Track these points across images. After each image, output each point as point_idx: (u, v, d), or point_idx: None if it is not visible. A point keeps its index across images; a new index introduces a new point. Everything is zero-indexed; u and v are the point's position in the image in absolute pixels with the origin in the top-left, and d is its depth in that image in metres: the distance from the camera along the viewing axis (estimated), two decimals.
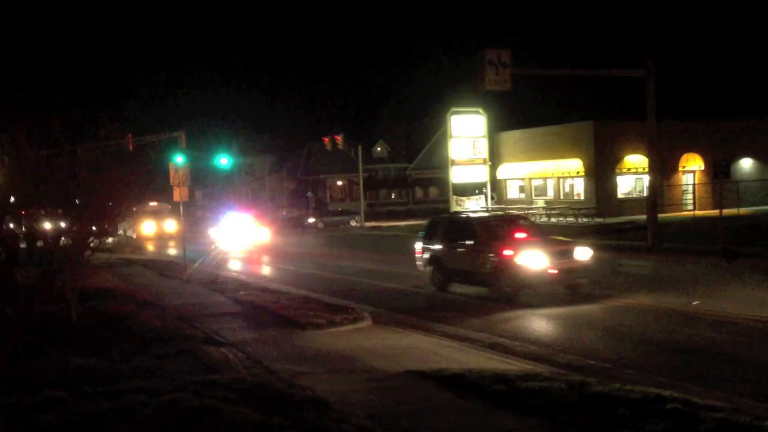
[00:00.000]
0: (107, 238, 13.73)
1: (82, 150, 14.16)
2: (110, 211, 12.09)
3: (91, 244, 11.89)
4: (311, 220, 59.66)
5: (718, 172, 28.49)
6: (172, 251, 38.72)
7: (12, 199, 11.50)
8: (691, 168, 43.41)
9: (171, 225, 49.62)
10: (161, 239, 48.01)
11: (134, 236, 46.92)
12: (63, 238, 11.20)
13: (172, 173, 23.89)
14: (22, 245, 12.80)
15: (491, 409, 7.50)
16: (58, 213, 11.86)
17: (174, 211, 52.83)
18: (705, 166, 42.77)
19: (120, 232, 48.02)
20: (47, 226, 11.90)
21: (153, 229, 48.59)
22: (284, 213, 66.18)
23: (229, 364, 9.97)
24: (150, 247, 43.53)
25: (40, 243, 12.05)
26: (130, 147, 33.03)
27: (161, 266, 27.14)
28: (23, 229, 12.26)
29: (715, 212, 33.90)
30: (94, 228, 11.78)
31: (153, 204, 50.15)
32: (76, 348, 10.23)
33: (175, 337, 11.69)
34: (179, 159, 24.74)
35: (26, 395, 7.35)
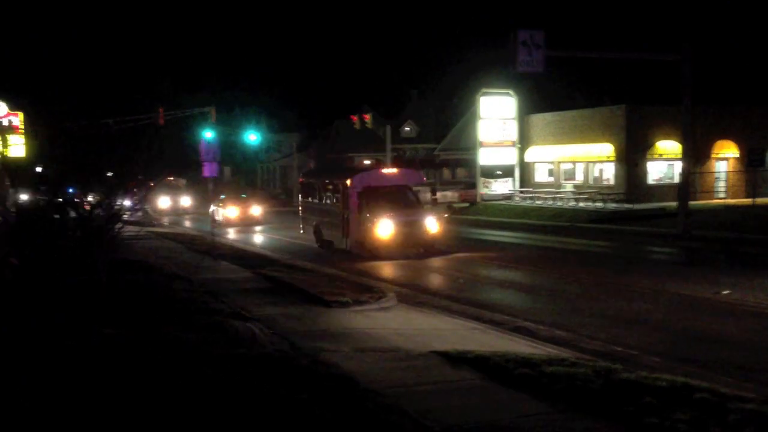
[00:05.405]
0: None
1: (115, 123, 14.32)
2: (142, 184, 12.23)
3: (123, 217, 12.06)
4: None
5: (753, 160, 28.04)
6: None
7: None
8: (725, 155, 42.56)
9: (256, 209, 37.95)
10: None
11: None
12: (96, 211, 11.36)
13: (203, 148, 24.07)
14: (55, 216, 13.00)
15: (516, 392, 7.49)
16: (92, 185, 12.03)
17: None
18: (739, 153, 41.93)
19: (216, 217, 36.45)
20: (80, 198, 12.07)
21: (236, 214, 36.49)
22: None
23: (255, 339, 10.07)
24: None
25: (72, 214, 12.24)
26: (161, 121, 33.33)
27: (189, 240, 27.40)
28: (57, 200, 12.45)
29: (748, 201, 33.33)
30: (125, 201, 11.92)
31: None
32: (106, 319, 10.40)
33: (203, 311, 11.84)
34: (208, 134, 24.90)
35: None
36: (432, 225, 22.17)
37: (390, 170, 24.49)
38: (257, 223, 36.83)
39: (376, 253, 21.48)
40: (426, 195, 26.40)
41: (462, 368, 8.46)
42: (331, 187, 24.67)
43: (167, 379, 7.17)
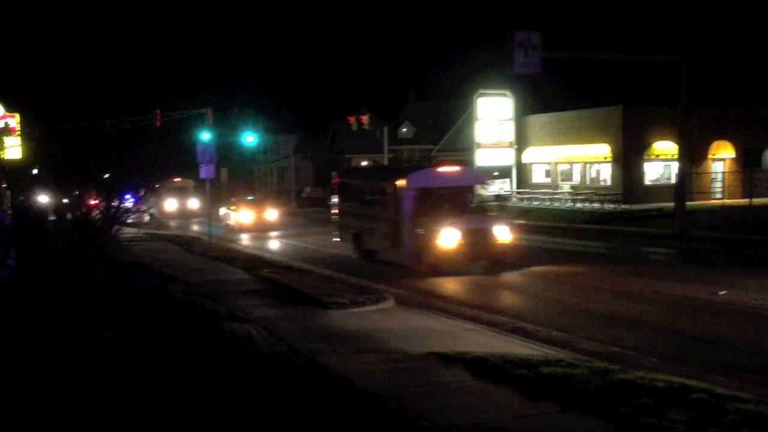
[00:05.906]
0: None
1: (112, 124, 14.31)
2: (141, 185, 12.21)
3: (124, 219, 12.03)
4: (335, 199, 59.48)
5: (750, 161, 28.06)
6: None
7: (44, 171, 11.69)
8: (722, 156, 42.65)
9: None
10: None
11: None
12: (93, 212, 11.34)
13: (199, 149, 24.01)
14: (51, 218, 12.98)
15: (513, 393, 7.50)
16: (89, 186, 12.00)
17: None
18: (736, 154, 42.01)
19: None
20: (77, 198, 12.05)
21: None
22: (308, 191, 66.40)
23: (253, 341, 10.07)
24: None
25: (69, 216, 12.22)
26: (158, 122, 33.24)
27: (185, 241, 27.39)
28: (53, 201, 12.43)
29: (744, 201, 33.39)
30: (121, 203, 11.90)
31: None
32: (104, 320, 10.39)
33: (200, 313, 11.83)
34: (205, 136, 24.83)
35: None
36: (503, 234, 18.62)
37: (449, 169, 20.67)
38: (273, 227, 34.76)
39: (436, 267, 17.92)
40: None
41: (459, 369, 8.47)
42: (377, 188, 21.15)
43: (166, 380, 7.16)
